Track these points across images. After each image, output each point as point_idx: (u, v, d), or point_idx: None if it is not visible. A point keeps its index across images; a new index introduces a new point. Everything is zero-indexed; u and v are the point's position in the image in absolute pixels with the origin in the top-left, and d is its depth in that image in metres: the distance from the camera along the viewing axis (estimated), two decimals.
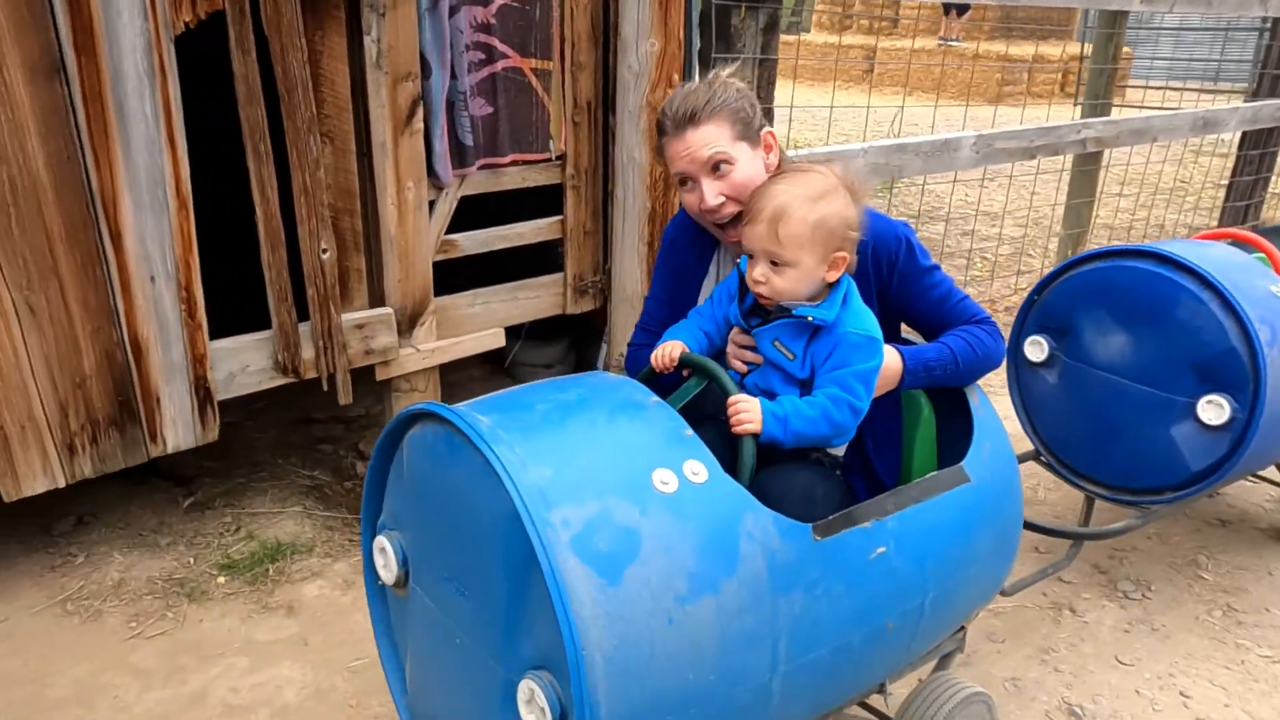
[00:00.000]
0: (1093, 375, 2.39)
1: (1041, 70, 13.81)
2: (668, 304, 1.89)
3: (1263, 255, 2.60)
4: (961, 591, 1.62)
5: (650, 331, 1.88)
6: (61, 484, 2.33)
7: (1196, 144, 8.92)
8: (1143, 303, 2.28)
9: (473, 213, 3.12)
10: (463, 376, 3.76)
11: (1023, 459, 2.46)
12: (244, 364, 2.53)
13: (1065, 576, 2.65)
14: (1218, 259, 2.29)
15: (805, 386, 1.57)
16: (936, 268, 1.73)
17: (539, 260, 3.35)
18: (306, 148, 2.42)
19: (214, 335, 2.48)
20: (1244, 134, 6.08)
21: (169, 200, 2.27)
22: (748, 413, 1.47)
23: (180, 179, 2.27)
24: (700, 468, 1.29)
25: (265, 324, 2.55)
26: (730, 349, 1.69)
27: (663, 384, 1.59)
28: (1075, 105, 11.70)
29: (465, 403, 1.37)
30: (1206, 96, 10.01)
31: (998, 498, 1.65)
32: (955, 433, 1.73)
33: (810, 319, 1.52)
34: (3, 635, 2.26)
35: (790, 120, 3.53)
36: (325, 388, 2.68)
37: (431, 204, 2.85)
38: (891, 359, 1.64)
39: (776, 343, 1.58)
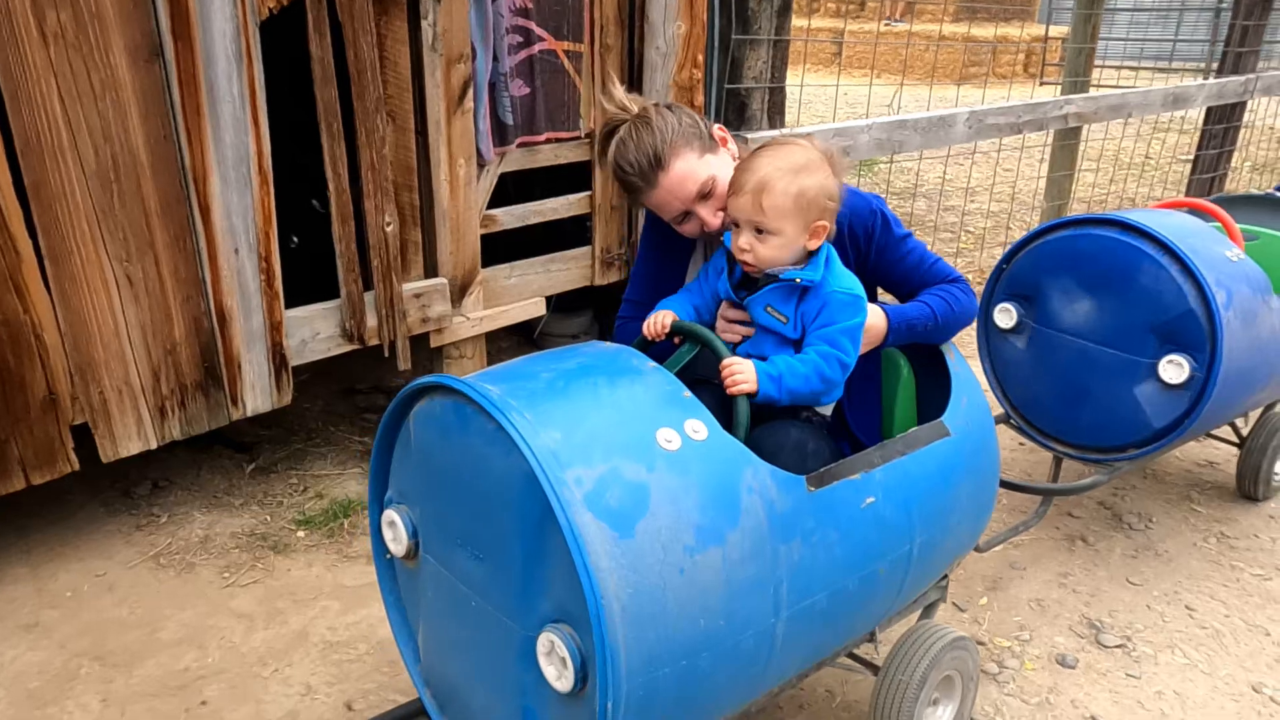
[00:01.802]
0: (1060, 340, 2.55)
1: (1005, 51, 14.16)
2: (654, 279, 1.94)
3: (1218, 224, 2.78)
4: (945, 539, 1.75)
5: (635, 304, 1.97)
6: (154, 445, 2.48)
7: (1162, 121, 9.26)
8: (1106, 269, 2.44)
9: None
10: (494, 348, 3.93)
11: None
12: (315, 331, 2.69)
13: (1074, 511, 2.90)
14: (1177, 226, 2.46)
15: (796, 347, 1.65)
16: (909, 235, 1.85)
17: (555, 238, 3.52)
18: (374, 126, 2.58)
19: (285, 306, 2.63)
20: (1209, 110, 6.39)
21: (252, 176, 2.41)
22: (742, 373, 1.55)
23: (262, 156, 2.42)
24: (700, 426, 1.37)
25: (319, 295, 2.71)
26: (720, 323, 1.74)
27: (654, 353, 1.65)
28: (1039, 85, 12.03)
29: (469, 375, 1.46)
30: (1160, 76, 10.37)
31: (976, 450, 1.79)
32: (933, 392, 1.86)
33: (798, 281, 1.61)
34: (105, 588, 2.41)
35: (800, 102, 3.72)
36: (386, 354, 2.84)
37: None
38: (876, 317, 1.74)
39: (769, 308, 1.66)
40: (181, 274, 2.39)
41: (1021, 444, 3.29)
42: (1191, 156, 7.62)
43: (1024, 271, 2.61)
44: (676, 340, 1.70)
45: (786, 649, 1.49)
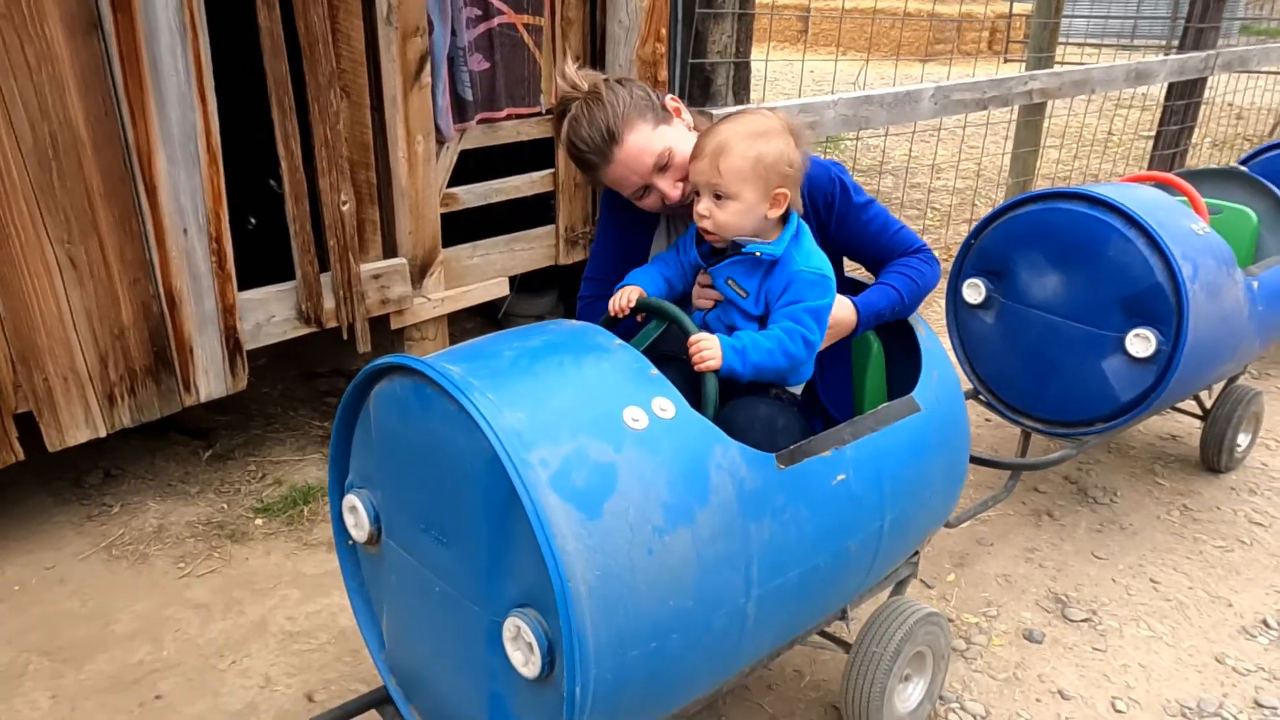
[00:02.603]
0: (1028, 314, 2.54)
1: (970, 28, 14.18)
2: (615, 256, 1.91)
3: (1183, 197, 2.79)
4: (917, 515, 1.74)
5: (597, 282, 1.93)
6: (102, 433, 2.40)
7: (1124, 98, 9.34)
8: (1074, 243, 2.43)
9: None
10: (457, 330, 3.86)
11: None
12: (270, 314, 2.62)
13: (1040, 486, 2.91)
14: (1144, 200, 2.45)
15: (763, 323, 1.63)
16: (871, 201, 1.83)
17: (518, 217, 3.46)
18: (328, 102, 2.50)
19: (239, 288, 2.56)
20: (1170, 86, 6.43)
21: (200, 154, 2.33)
22: (709, 349, 1.52)
23: (210, 133, 2.34)
24: (668, 404, 1.34)
25: (276, 276, 2.63)
26: (696, 289, 1.74)
27: (620, 331, 1.63)
28: (1004, 62, 12.07)
29: (431, 355, 1.41)
30: (1123, 53, 10.45)
31: (947, 425, 1.77)
32: (904, 366, 1.85)
33: (759, 254, 1.58)
34: (55, 580, 2.34)
35: (766, 78, 3.67)
36: (345, 336, 2.78)
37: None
38: (844, 310, 1.72)
39: (730, 281, 1.64)
40: (128, 256, 2.31)
41: (989, 419, 3.30)
42: (1153, 133, 7.68)
43: (993, 246, 2.60)
44: (640, 318, 1.66)
45: (758, 627, 1.46)
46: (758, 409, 1.58)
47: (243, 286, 2.59)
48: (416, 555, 1.44)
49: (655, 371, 1.40)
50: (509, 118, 3.17)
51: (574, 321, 1.53)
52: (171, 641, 2.15)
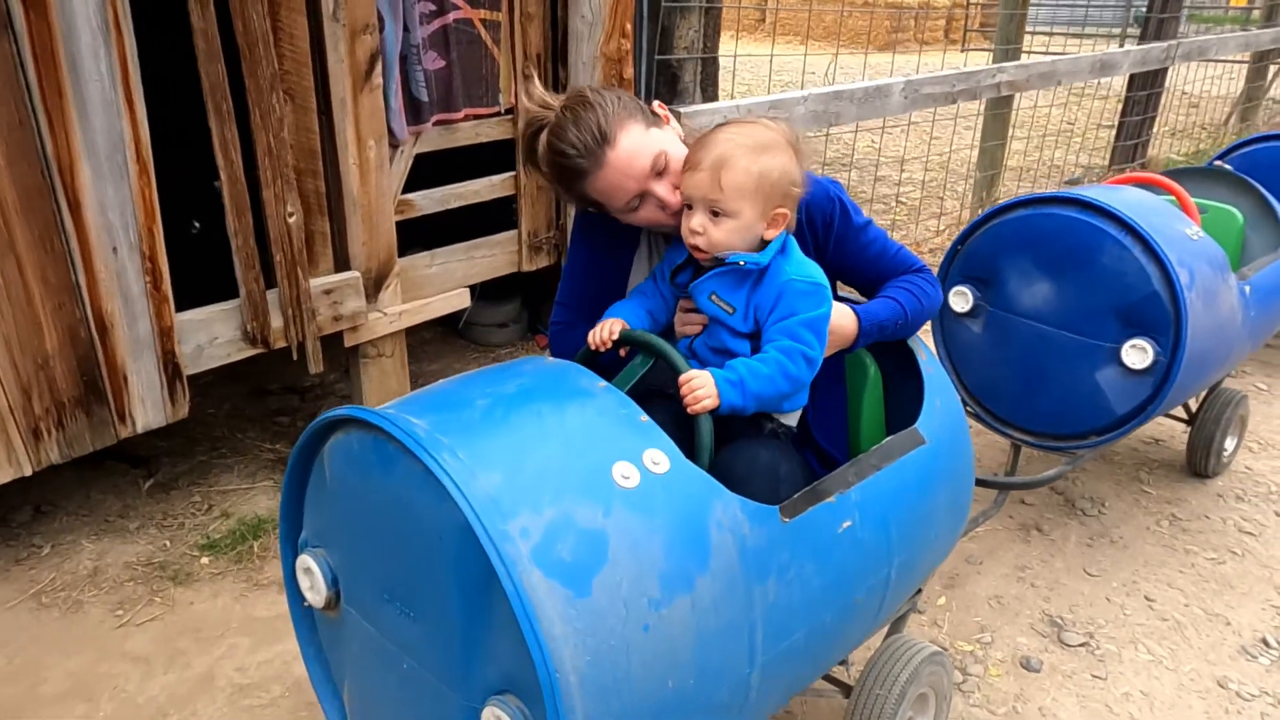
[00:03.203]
0: (1018, 324, 2.44)
1: (929, 16, 14.18)
2: (591, 279, 1.76)
3: (1172, 197, 2.69)
4: (923, 554, 1.63)
5: (571, 308, 1.78)
6: (28, 472, 2.20)
7: (1078, 89, 9.35)
8: (1066, 249, 2.33)
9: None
10: (415, 340, 3.69)
11: None
12: (212, 336, 2.43)
13: (1027, 499, 2.81)
14: (1137, 204, 2.35)
15: (754, 339, 1.51)
16: (869, 223, 1.71)
17: (478, 223, 3.29)
18: (270, 106, 2.31)
19: (178, 308, 2.36)
20: (1131, 77, 6.41)
21: (129, 166, 2.13)
22: (703, 388, 1.38)
23: (140, 142, 2.14)
24: (661, 456, 1.20)
25: (221, 295, 2.44)
26: (677, 319, 1.62)
27: (601, 366, 1.50)
28: (964, 51, 12.07)
29: (393, 402, 1.25)
30: (1075, 41, 10.48)
31: (952, 456, 1.66)
32: (902, 394, 1.73)
33: (743, 264, 1.45)
34: None
35: (734, 70, 3.53)
36: (295, 357, 2.59)
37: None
38: (844, 318, 1.60)
39: (714, 296, 1.50)
40: (50, 278, 2.10)
41: (973, 428, 3.19)
42: (1113, 123, 7.69)
43: (980, 252, 2.49)
44: (623, 352, 1.51)
45: (762, 695, 1.34)
46: (758, 455, 1.44)
47: (185, 305, 2.40)
48: (380, 627, 1.28)
49: (645, 418, 1.25)
50: (467, 118, 3.00)
51: (552, 360, 1.38)
52: (108, 701, 1.97)
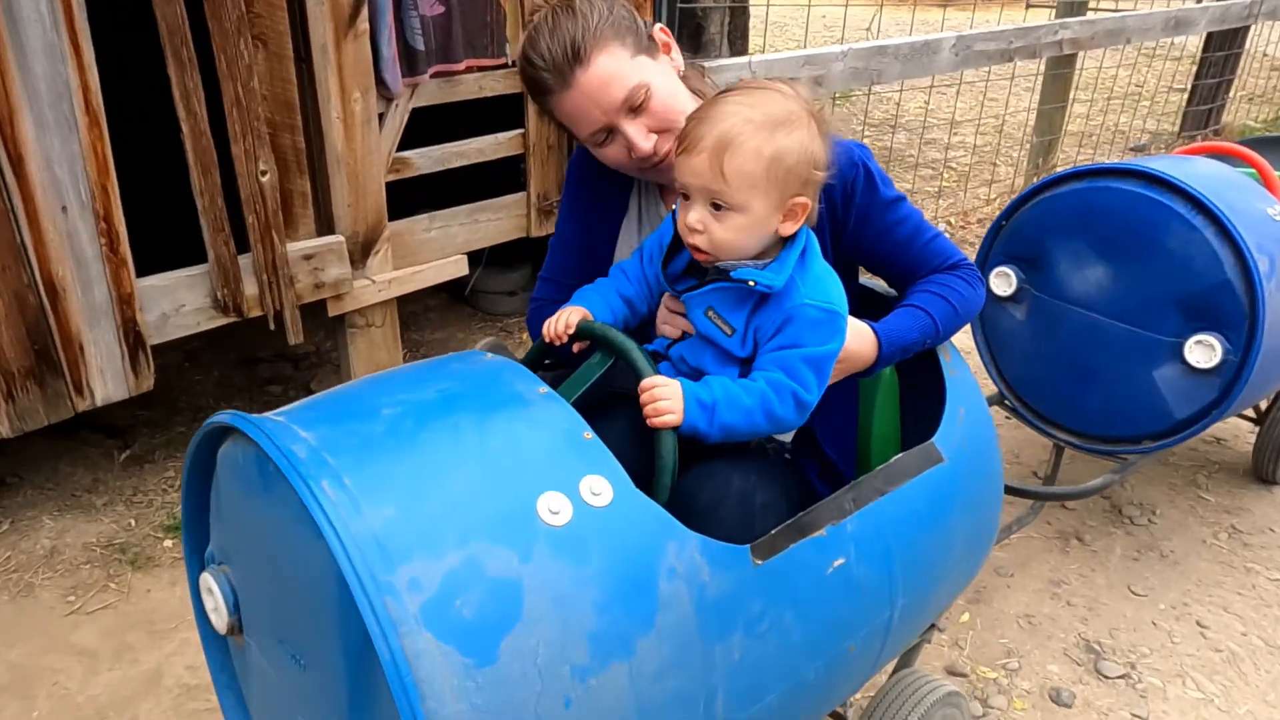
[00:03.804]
0: (1067, 311, 2.18)
1: None
2: (578, 252, 1.56)
3: (1252, 170, 2.39)
4: (935, 593, 1.40)
5: (555, 284, 1.58)
6: None
7: (1147, 49, 8.78)
8: (1126, 229, 2.05)
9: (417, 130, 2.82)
10: (419, 307, 3.50)
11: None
12: (178, 303, 2.25)
13: (1069, 504, 2.55)
14: (1210, 178, 2.06)
15: (746, 366, 1.26)
16: (902, 199, 1.42)
17: (492, 182, 3.08)
18: (238, 53, 2.11)
19: (143, 272, 2.19)
20: (1208, 36, 5.95)
21: (77, 117, 1.95)
22: (667, 400, 1.16)
23: (89, 90, 1.95)
24: (603, 485, 0.98)
25: (201, 258, 2.26)
26: (660, 313, 1.37)
27: (565, 357, 1.30)
28: (1028, 8, 11.44)
29: (289, 408, 1.05)
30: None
31: (976, 475, 1.40)
32: (921, 396, 1.48)
33: (753, 284, 1.19)
34: None
35: (766, 24, 3.24)
36: (272, 326, 2.41)
37: (381, 117, 2.55)
38: (861, 341, 1.32)
39: (710, 312, 1.25)
40: None
41: (1008, 418, 2.92)
42: (1183, 86, 7.19)
43: (1027, 229, 2.21)
44: (577, 347, 1.28)
45: None
46: (729, 481, 1.20)
47: (152, 269, 2.22)
48: (277, 670, 1.09)
49: (589, 434, 1.03)
50: (468, 70, 2.77)
51: (491, 358, 1.15)
52: (46, 699, 1.83)
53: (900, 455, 1.29)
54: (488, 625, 0.88)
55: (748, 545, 1.06)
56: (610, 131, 1.37)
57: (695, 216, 1.21)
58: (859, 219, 1.39)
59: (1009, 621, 2.13)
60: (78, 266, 2.04)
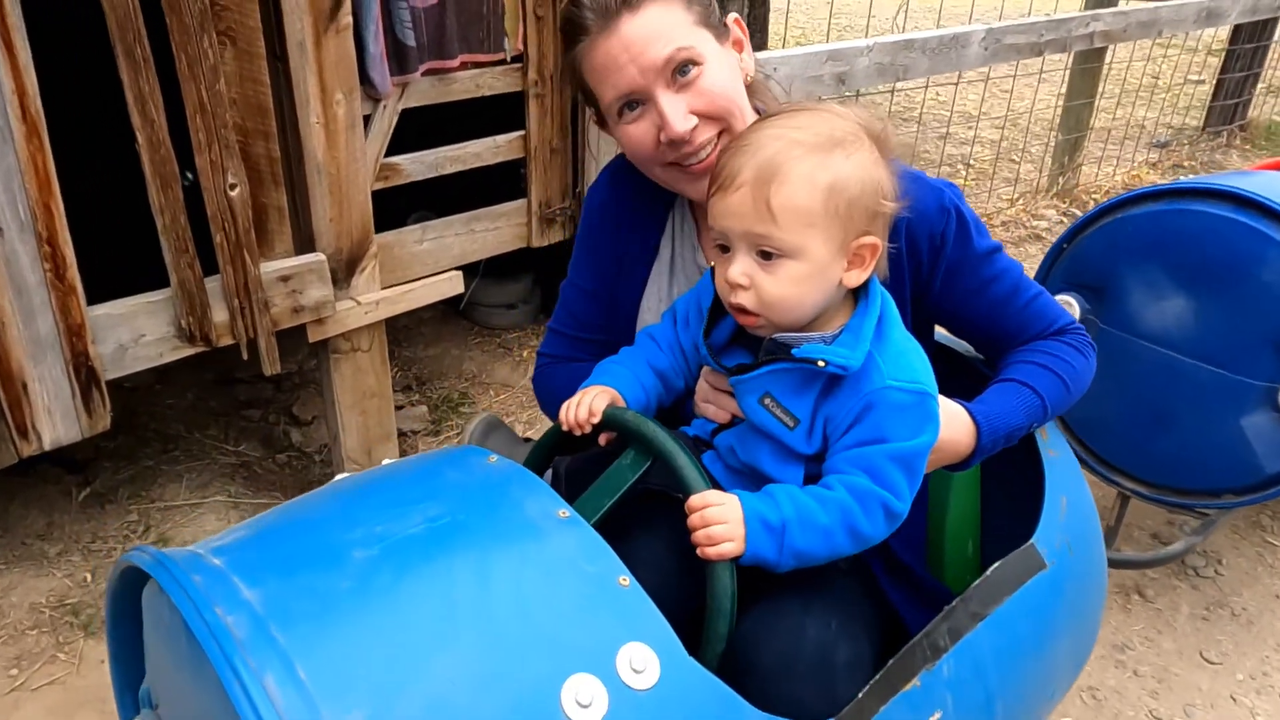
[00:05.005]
0: (1137, 347, 1.96)
1: None
2: (596, 302, 1.34)
3: None
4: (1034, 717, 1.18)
5: (568, 339, 1.34)
6: None
7: (1168, 39, 8.51)
8: (1211, 258, 1.83)
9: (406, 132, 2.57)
10: (411, 321, 3.25)
11: None
12: (137, 333, 2.00)
13: (1124, 549, 2.32)
14: None
15: (812, 463, 1.04)
16: (998, 249, 1.19)
17: (494, 189, 2.83)
18: (201, 52, 1.84)
19: (96, 299, 1.94)
20: (1236, 28, 5.69)
21: (12, 126, 1.69)
22: (722, 525, 0.93)
23: (25, 95, 1.69)
24: (647, 656, 0.76)
25: (163, 282, 2.01)
26: (701, 389, 1.14)
27: (580, 445, 1.08)
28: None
29: (232, 537, 0.82)
30: None
31: (1081, 577, 1.19)
32: (1003, 478, 1.26)
33: (823, 364, 0.96)
34: None
35: (787, 12, 2.98)
36: (245, 356, 2.16)
37: (367, 120, 2.29)
38: (957, 429, 1.10)
39: (768, 400, 1.01)
40: None
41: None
42: (1201, 78, 6.93)
43: (1093, 254, 1.97)
44: (604, 439, 1.04)
45: None
46: (803, 632, 0.96)
47: (107, 295, 1.97)
48: None
49: (627, 579, 0.79)
50: (464, 67, 2.51)
51: (497, 463, 0.91)
52: None
53: (997, 565, 1.05)
54: None
55: (830, 718, 0.82)
56: (641, 103, 1.13)
57: (739, 269, 0.97)
58: (948, 275, 1.15)
59: (1071, 696, 1.91)
60: (17, 296, 1.79)
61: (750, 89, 1.22)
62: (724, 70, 1.14)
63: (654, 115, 1.13)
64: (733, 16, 1.20)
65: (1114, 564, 1.99)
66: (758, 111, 1.22)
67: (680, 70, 1.11)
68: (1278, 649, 2.05)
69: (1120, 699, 1.91)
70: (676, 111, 1.11)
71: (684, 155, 1.14)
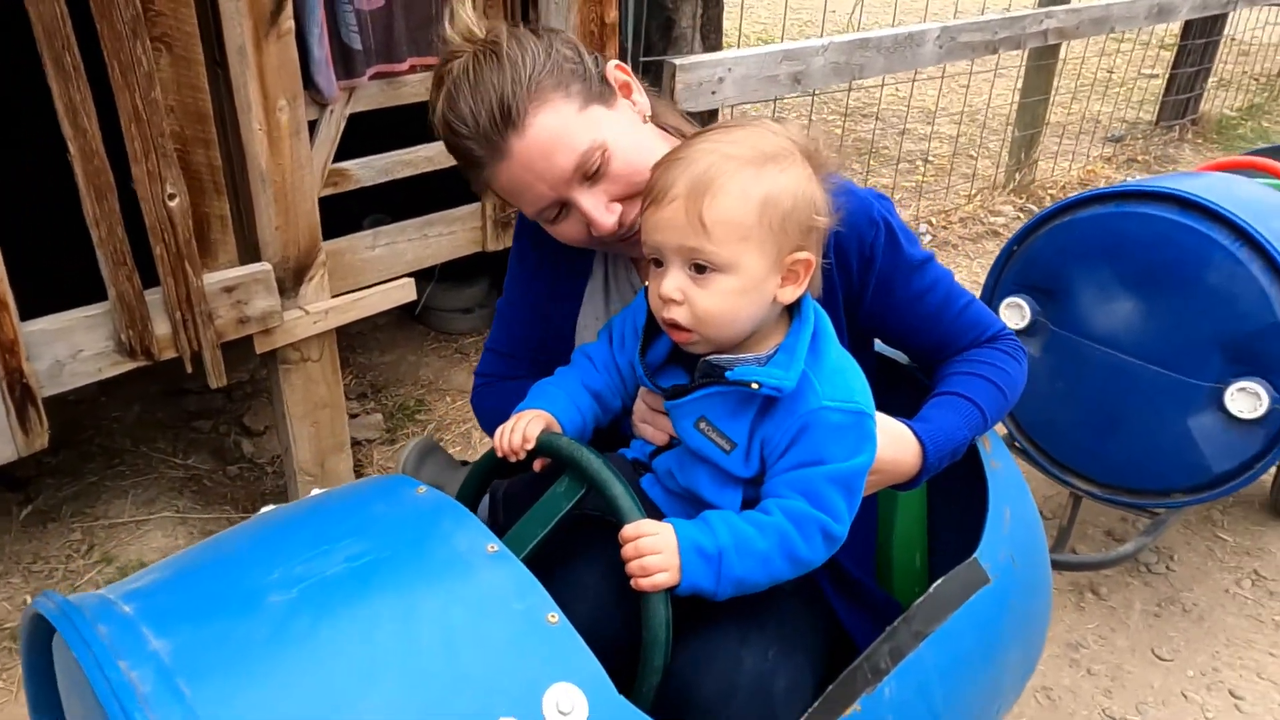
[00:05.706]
0: (1087, 350, 1.97)
1: None
2: (532, 321, 1.31)
3: (1276, 181, 2.19)
4: None
5: (505, 358, 1.32)
6: None
7: (1121, 33, 8.62)
8: (1159, 261, 1.84)
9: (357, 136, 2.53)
10: (365, 326, 3.20)
11: None
12: (75, 348, 1.94)
13: (1078, 548, 2.34)
14: (1254, 202, 1.85)
15: (751, 486, 1.02)
16: (929, 259, 1.19)
17: (449, 190, 2.79)
18: (134, 58, 1.79)
19: (30, 314, 1.88)
20: (1187, 24, 5.77)
21: None
22: (656, 555, 0.91)
23: None
24: (574, 697, 0.73)
25: (102, 295, 1.96)
26: (638, 409, 1.12)
27: (513, 470, 1.05)
28: None
29: (145, 581, 0.78)
30: None
31: (1026, 589, 1.18)
32: (949, 490, 1.25)
33: (757, 386, 0.94)
34: None
35: (742, 9, 2.97)
36: (189, 369, 2.11)
37: (313, 126, 2.25)
38: (901, 449, 1.08)
39: (703, 424, 0.99)
40: None
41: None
42: (1154, 71, 7.02)
43: (1043, 257, 1.98)
44: (538, 465, 1.02)
45: None
46: (739, 664, 0.94)
47: (41, 310, 1.92)
48: None
49: (555, 617, 0.77)
50: (413, 70, 2.47)
51: (424, 494, 0.88)
52: None
53: (940, 582, 1.05)
54: None
55: None
56: (563, 206, 1.10)
57: (672, 284, 0.95)
58: (880, 287, 1.14)
59: (1026, 697, 1.92)
60: None
61: (654, 117, 1.19)
62: (626, 138, 1.09)
63: (579, 214, 1.10)
64: (613, 64, 1.14)
65: (1067, 566, 2.01)
66: (671, 130, 1.20)
67: (589, 170, 1.07)
68: (1227, 644, 2.08)
69: (1074, 698, 1.92)
70: (599, 209, 1.08)
71: (620, 234, 1.11)
